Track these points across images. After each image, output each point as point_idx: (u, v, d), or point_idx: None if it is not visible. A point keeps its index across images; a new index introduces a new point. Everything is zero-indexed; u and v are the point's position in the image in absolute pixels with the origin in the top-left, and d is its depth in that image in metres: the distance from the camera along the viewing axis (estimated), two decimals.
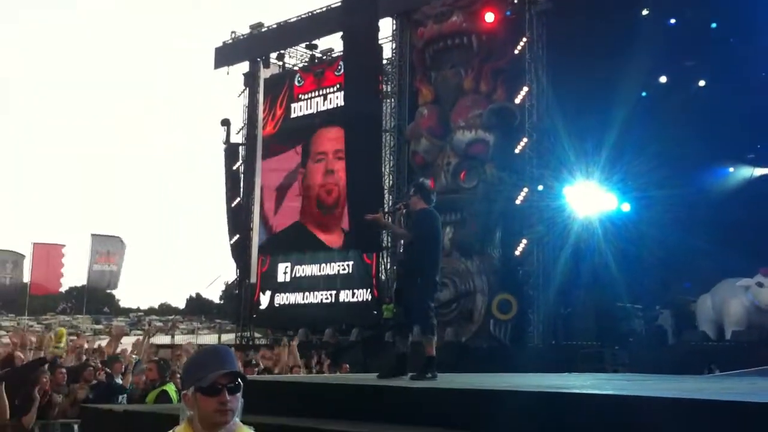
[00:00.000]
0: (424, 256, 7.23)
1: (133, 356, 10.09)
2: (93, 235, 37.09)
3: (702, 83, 17.64)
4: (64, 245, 37.99)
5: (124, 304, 66.23)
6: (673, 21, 17.65)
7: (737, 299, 15.67)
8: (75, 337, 13.33)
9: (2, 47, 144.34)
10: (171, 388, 7.50)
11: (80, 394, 8.02)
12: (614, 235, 16.92)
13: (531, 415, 4.59)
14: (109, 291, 43.13)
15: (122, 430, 6.16)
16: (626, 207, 17.42)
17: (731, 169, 17.82)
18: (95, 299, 48.79)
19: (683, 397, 4.49)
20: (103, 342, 13.12)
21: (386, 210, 17.58)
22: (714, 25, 17.25)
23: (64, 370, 8.40)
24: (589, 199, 17.39)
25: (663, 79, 17.90)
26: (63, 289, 44.57)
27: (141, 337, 11.55)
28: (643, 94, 17.59)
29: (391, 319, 20.36)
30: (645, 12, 17.62)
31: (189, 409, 2.52)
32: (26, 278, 38.19)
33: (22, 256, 38.30)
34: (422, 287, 7.17)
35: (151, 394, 7.47)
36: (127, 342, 11.77)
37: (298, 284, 24.10)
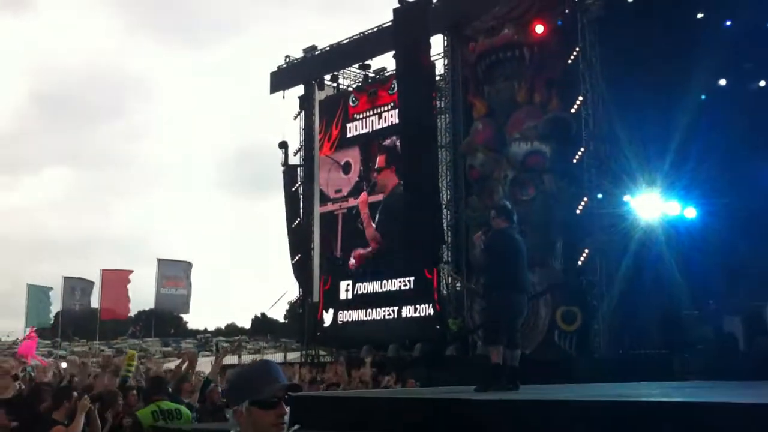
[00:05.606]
0: (494, 273, 7.38)
1: (202, 375, 10.25)
2: (159, 259, 37.91)
3: (762, 84, 17.26)
4: (131, 271, 38.97)
5: (191, 325, 67.34)
6: (728, 23, 17.33)
7: None
8: (145, 360, 13.61)
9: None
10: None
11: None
12: (678, 242, 16.60)
13: (602, 425, 4.58)
14: (177, 314, 43.96)
15: None
16: (690, 213, 17.09)
17: None
18: (163, 322, 49.75)
19: (756, 402, 4.42)
20: (173, 365, 13.37)
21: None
22: None
23: (135, 392, 8.44)
24: (651, 205, 17.13)
25: (722, 82, 17.57)
26: (132, 313, 45.61)
27: (216, 358, 11.70)
28: (703, 97, 17.28)
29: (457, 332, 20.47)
30: (700, 15, 17.35)
31: (239, 424, 2.46)
32: (95, 304, 39.19)
33: (92, 283, 39.33)
34: (494, 303, 7.34)
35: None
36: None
37: (360, 301, 24.21)
